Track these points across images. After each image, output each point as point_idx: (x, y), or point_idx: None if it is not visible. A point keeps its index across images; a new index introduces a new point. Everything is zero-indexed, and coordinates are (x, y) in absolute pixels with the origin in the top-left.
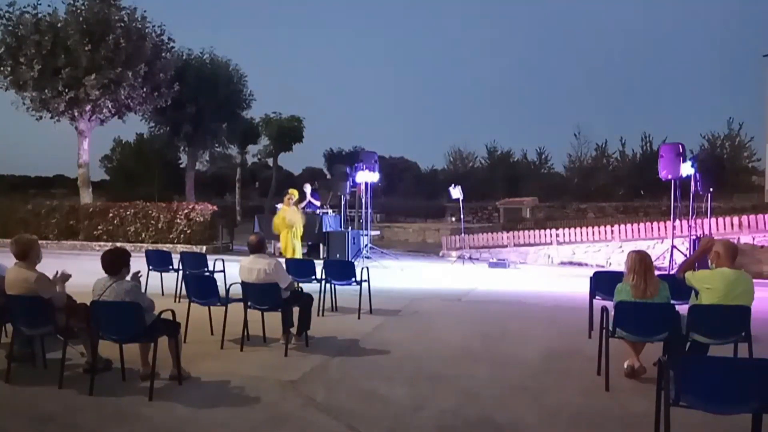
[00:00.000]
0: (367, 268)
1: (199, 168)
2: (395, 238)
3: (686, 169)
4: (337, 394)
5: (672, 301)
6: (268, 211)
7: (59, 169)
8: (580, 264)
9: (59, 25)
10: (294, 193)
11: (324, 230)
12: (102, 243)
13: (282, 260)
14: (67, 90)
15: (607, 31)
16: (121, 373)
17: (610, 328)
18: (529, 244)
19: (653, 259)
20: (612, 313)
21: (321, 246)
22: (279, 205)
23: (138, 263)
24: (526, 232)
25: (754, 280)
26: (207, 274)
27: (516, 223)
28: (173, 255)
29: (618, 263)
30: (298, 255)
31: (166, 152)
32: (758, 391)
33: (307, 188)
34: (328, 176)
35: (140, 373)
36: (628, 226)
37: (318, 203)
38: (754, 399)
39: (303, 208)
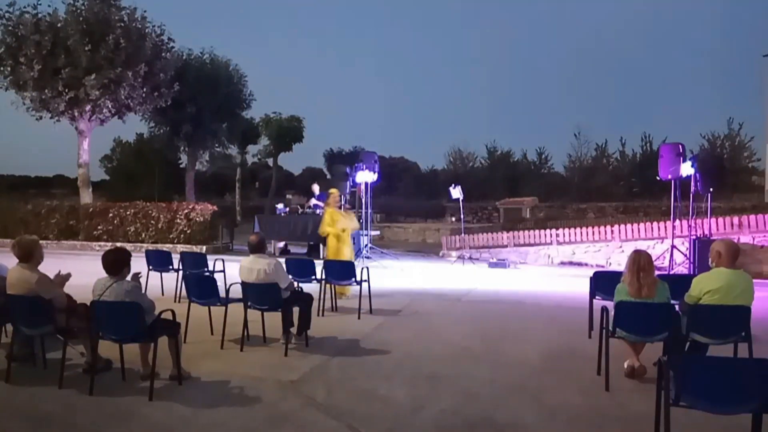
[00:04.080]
0: (367, 268)
1: (199, 168)
2: (395, 238)
3: (686, 169)
4: (337, 394)
5: (672, 301)
6: (268, 211)
7: (59, 169)
8: (580, 264)
9: (59, 25)
10: (336, 193)
11: None
12: (102, 243)
13: (282, 260)
14: (67, 90)
15: (608, 31)
16: (121, 373)
17: (610, 328)
18: (529, 244)
19: (653, 258)
20: (612, 313)
21: (321, 246)
22: (279, 206)
23: (138, 263)
24: (526, 232)
25: (754, 280)
26: (207, 274)
27: (516, 223)
28: (173, 255)
29: (618, 263)
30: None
31: (166, 152)
32: (758, 391)
33: (315, 188)
34: (328, 176)
35: (140, 373)
36: (628, 226)
37: (323, 204)
38: (754, 399)
39: (310, 208)
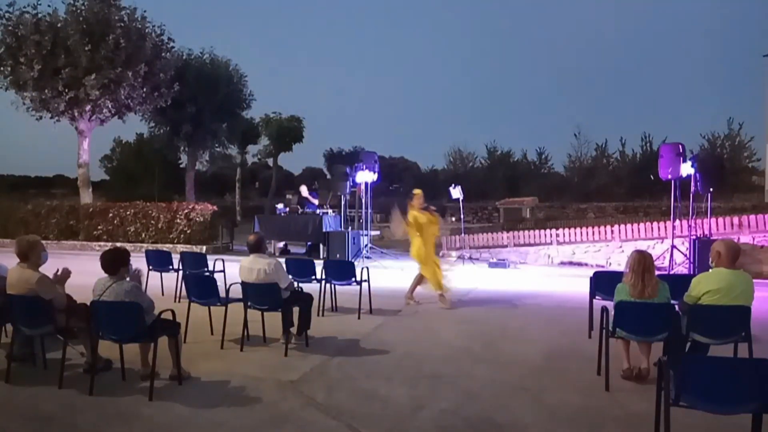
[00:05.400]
0: (367, 268)
1: (199, 168)
2: (395, 238)
3: (686, 169)
4: (337, 394)
5: (672, 302)
6: (268, 211)
7: (59, 169)
8: (580, 264)
9: (59, 25)
10: (419, 193)
11: (324, 230)
12: (102, 243)
13: (282, 260)
14: (67, 90)
15: (608, 31)
16: (121, 373)
17: (610, 328)
18: (529, 244)
19: (653, 258)
20: (612, 313)
21: (321, 246)
22: (279, 206)
23: (138, 263)
24: (526, 232)
25: (754, 280)
26: (207, 274)
27: (516, 223)
28: (173, 255)
29: (618, 263)
30: (430, 264)
31: (166, 152)
32: (758, 391)
33: (303, 189)
34: (328, 176)
35: (140, 373)
36: (628, 226)
37: (316, 202)
38: (754, 399)
39: (304, 209)
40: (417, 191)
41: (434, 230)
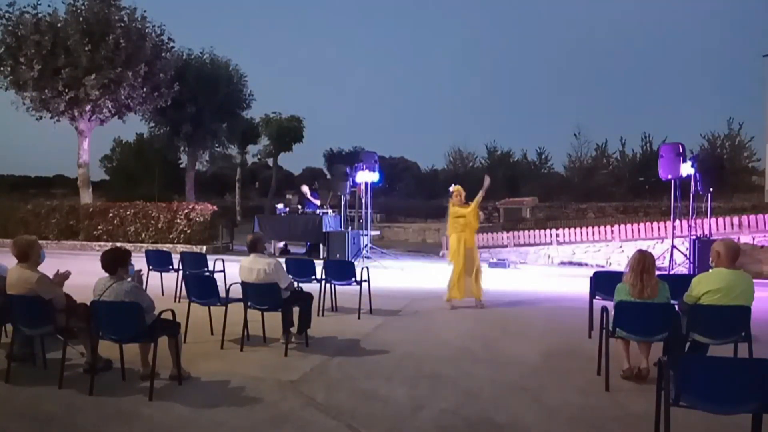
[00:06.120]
0: (367, 268)
1: (199, 168)
2: (395, 238)
3: (686, 169)
4: (337, 394)
5: (672, 302)
6: (268, 211)
7: (59, 169)
8: (580, 264)
9: (59, 25)
10: (458, 189)
11: (324, 230)
12: (102, 243)
13: (282, 260)
14: (67, 90)
15: (607, 31)
16: (121, 373)
17: (610, 328)
18: (529, 244)
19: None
20: (612, 313)
21: (321, 246)
22: (279, 206)
23: (138, 263)
24: (526, 232)
25: (754, 280)
26: (207, 274)
27: (516, 223)
28: (173, 255)
29: (618, 263)
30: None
31: (166, 152)
32: (758, 391)
33: (305, 189)
34: (328, 176)
35: (140, 373)
36: (628, 226)
37: (317, 202)
38: (754, 399)
39: (304, 209)
40: (455, 187)
41: (462, 223)
